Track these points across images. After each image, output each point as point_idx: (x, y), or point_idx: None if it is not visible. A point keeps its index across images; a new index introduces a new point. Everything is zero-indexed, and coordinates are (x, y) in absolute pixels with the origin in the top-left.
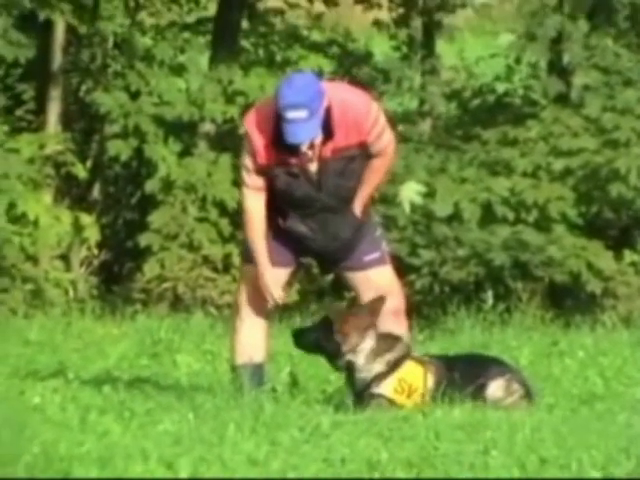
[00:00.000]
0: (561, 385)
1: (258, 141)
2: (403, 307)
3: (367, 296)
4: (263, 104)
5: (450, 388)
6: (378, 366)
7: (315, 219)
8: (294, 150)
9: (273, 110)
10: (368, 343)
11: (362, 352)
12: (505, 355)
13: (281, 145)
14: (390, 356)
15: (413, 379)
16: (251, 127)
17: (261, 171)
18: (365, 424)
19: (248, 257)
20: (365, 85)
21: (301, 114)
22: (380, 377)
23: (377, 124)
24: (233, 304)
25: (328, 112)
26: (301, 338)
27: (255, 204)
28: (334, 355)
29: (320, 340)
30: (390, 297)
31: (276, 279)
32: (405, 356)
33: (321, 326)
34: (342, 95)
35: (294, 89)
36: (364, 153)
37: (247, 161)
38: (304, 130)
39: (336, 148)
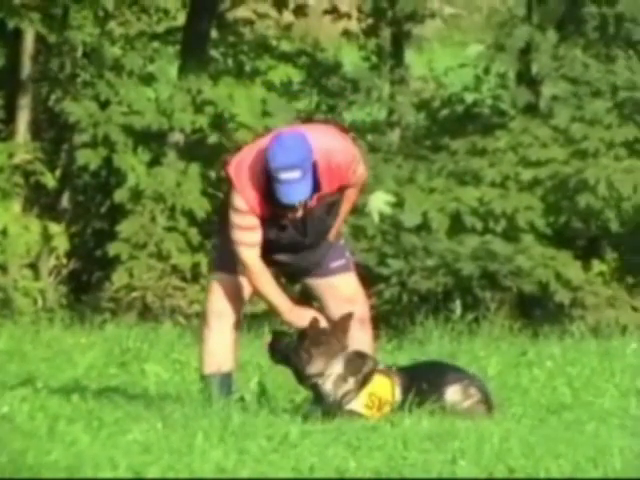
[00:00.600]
0: (529, 395)
1: (250, 200)
2: (368, 315)
3: (332, 304)
4: (247, 159)
5: (413, 397)
6: (347, 385)
7: (294, 252)
8: (286, 206)
9: (260, 166)
10: (336, 369)
11: (329, 378)
12: (473, 365)
13: (272, 202)
14: (359, 375)
15: (382, 392)
16: (241, 186)
17: (255, 227)
18: (334, 433)
19: (218, 265)
20: (334, 95)
21: (295, 174)
22: (350, 394)
23: (357, 166)
24: (201, 313)
25: (314, 164)
26: (276, 341)
27: (256, 259)
28: (298, 372)
29: (289, 350)
30: (355, 305)
31: (304, 312)
32: (373, 371)
33: (297, 338)
34: (325, 144)
35: (285, 150)
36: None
37: (239, 220)
38: (298, 190)
39: (320, 196)
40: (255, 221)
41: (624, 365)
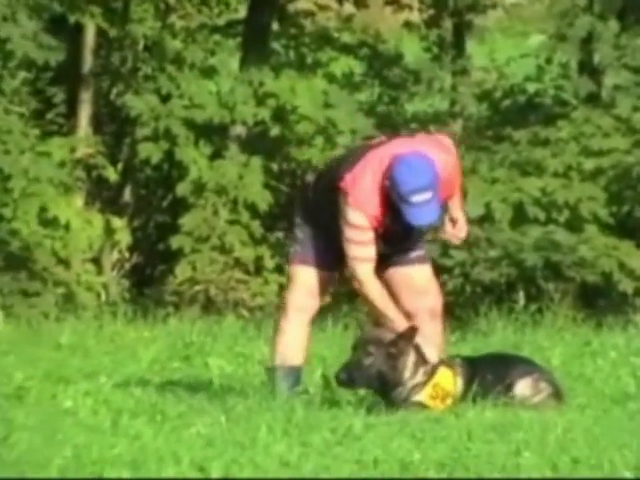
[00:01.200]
0: (593, 385)
1: (369, 216)
2: (440, 308)
3: (404, 294)
4: (361, 175)
5: (478, 389)
6: (419, 377)
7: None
8: (418, 227)
9: (378, 184)
10: (411, 356)
11: (407, 367)
12: (537, 356)
13: (390, 215)
14: (428, 366)
15: (446, 383)
16: (359, 203)
17: (371, 242)
18: (397, 425)
19: (301, 259)
20: (396, 86)
21: (427, 196)
22: (419, 386)
23: (459, 178)
24: (281, 304)
25: None
26: (355, 375)
27: (371, 275)
28: (397, 383)
29: (383, 370)
30: (427, 296)
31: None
32: (439, 362)
33: (377, 355)
34: (441, 155)
35: (415, 172)
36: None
37: (356, 235)
38: (430, 211)
39: None
40: (372, 236)
41: None
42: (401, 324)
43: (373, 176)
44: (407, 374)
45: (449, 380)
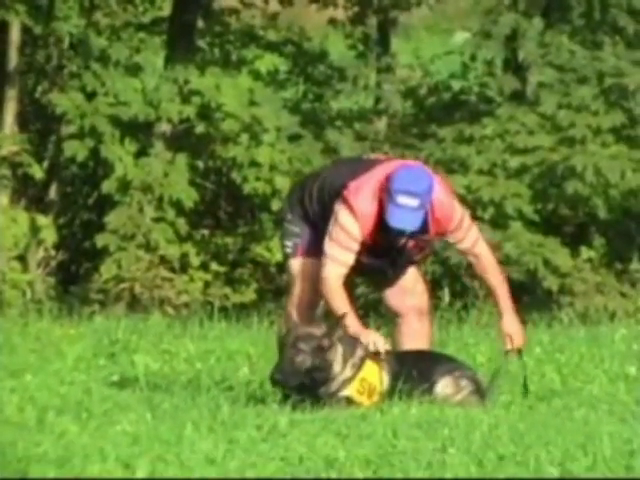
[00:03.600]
0: (518, 382)
1: (364, 228)
2: (426, 307)
3: (390, 293)
4: (365, 186)
5: (403, 386)
6: (348, 371)
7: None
8: (392, 237)
9: (378, 195)
10: (340, 348)
11: (336, 359)
12: (462, 353)
13: (382, 230)
14: (356, 356)
15: (373, 378)
16: (359, 214)
17: (354, 251)
18: (322, 422)
19: (303, 250)
20: (321, 83)
21: (413, 202)
22: (348, 381)
23: (461, 226)
24: (289, 298)
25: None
26: (289, 374)
27: (338, 278)
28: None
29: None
30: (413, 295)
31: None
32: (365, 355)
33: (308, 351)
34: (436, 193)
35: (412, 177)
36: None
37: (345, 241)
38: (411, 218)
39: (421, 240)
40: (356, 247)
41: (613, 351)
42: (356, 329)
43: (375, 190)
44: (337, 368)
45: (375, 375)
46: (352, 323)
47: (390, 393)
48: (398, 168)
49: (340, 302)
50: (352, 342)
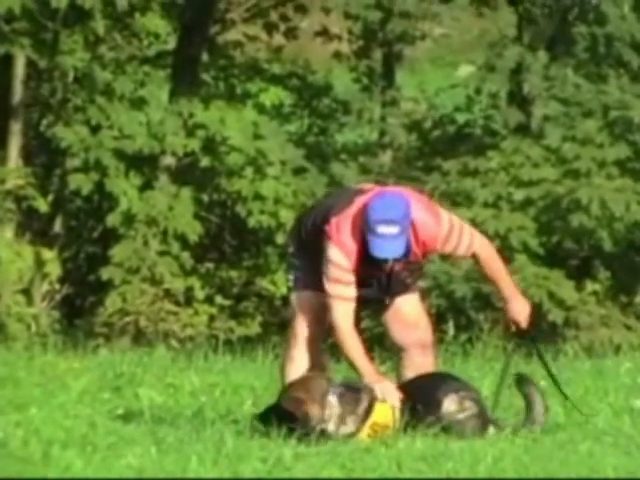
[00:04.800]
0: (523, 415)
1: (349, 256)
2: (430, 340)
3: (394, 328)
4: (346, 218)
5: (413, 412)
6: (350, 426)
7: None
8: (378, 264)
9: (359, 223)
10: (333, 409)
11: (330, 419)
12: None
13: (367, 259)
14: (359, 410)
15: (384, 419)
16: (340, 243)
17: (352, 283)
18: (327, 456)
19: (303, 283)
20: (325, 117)
21: (393, 230)
22: (352, 435)
23: (449, 239)
24: (290, 332)
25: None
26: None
27: (348, 317)
28: (308, 432)
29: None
30: (417, 330)
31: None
32: (372, 401)
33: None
34: (416, 214)
35: (387, 205)
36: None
37: (339, 274)
38: (393, 246)
39: (406, 262)
40: (353, 278)
41: (618, 384)
42: (367, 374)
43: (355, 222)
44: (332, 427)
45: (386, 415)
46: (367, 372)
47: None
48: (372, 198)
49: (355, 352)
50: (353, 397)
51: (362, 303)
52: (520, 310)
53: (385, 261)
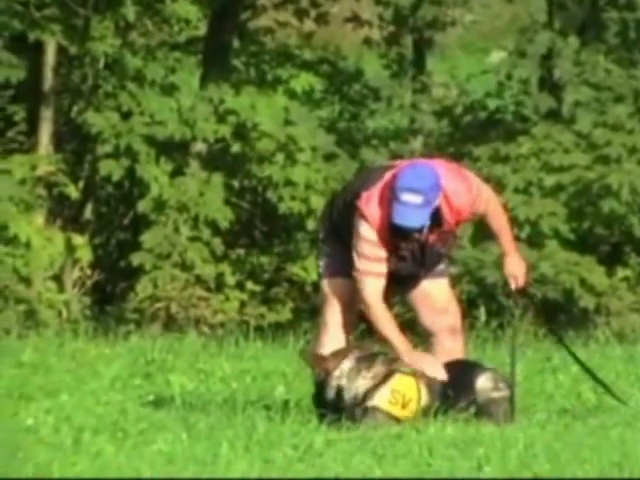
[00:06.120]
0: (554, 401)
1: (378, 230)
2: (459, 325)
3: (424, 313)
4: (376, 192)
5: (444, 399)
6: (364, 381)
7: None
8: (406, 235)
9: (388, 198)
10: (346, 364)
11: (343, 374)
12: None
13: (395, 231)
14: (376, 369)
15: (406, 389)
16: (371, 218)
17: (383, 259)
18: (358, 442)
19: (332, 270)
20: (356, 103)
21: (416, 199)
22: (371, 390)
23: (477, 200)
24: (320, 319)
25: (439, 205)
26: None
27: (378, 293)
28: (323, 387)
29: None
30: (446, 315)
31: (421, 355)
32: (393, 370)
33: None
34: (449, 187)
35: (416, 174)
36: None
37: (369, 250)
38: (414, 215)
39: (441, 233)
40: (384, 253)
41: None
42: (403, 350)
43: (384, 194)
44: (344, 381)
45: (410, 386)
46: (403, 349)
47: (426, 412)
48: (403, 167)
49: (388, 327)
50: (369, 358)
51: (394, 281)
52: (516, 265)
53: (405, 231)
